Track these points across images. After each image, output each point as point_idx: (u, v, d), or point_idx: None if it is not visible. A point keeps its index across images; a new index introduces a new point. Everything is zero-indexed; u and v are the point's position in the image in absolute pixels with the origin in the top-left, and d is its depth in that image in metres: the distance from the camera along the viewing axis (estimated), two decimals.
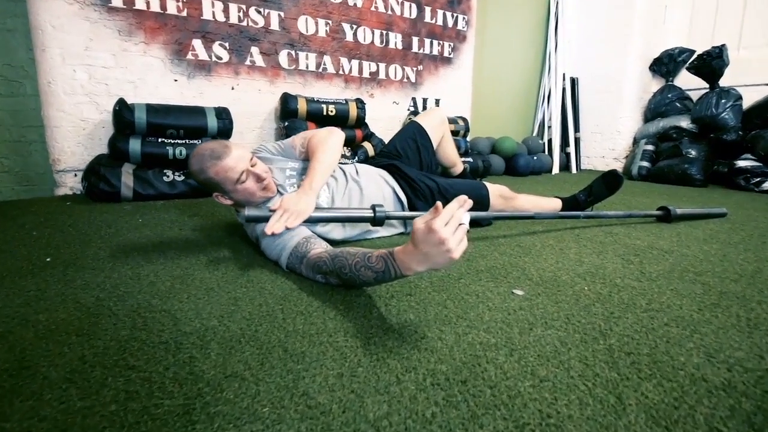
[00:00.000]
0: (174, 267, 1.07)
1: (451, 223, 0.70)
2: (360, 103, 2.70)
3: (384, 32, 3.01)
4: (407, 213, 1.31)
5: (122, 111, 2.04)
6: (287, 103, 2.47)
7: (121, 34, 2.17)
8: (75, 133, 2.13)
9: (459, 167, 1.90)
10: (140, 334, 0.70)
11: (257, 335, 0.70)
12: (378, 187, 1.39)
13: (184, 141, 2.16)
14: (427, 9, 3.21)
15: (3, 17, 2.04)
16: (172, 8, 2.26)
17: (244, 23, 2.48)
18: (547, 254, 1.21)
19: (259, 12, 2.52)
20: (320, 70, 2.79)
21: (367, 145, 2.69)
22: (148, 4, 2.20)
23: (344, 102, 2.63)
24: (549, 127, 4.07)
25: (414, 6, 3.14)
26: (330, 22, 2.77)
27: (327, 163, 1.22)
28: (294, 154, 1.35)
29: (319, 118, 2.54)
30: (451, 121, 3.21)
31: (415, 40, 3.18)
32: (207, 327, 0.73)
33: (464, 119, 3.32)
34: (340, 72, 2.88)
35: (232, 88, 2.51)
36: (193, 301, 0.85)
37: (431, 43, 3.27)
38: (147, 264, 1.09)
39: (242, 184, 1.12)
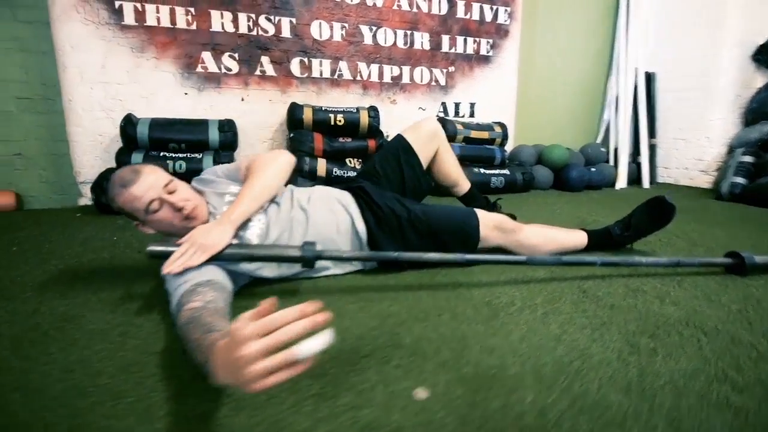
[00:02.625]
0: (81, 303, 0.97)
1: (267, 340, 0.45)
2: (373, 111, 2.49)
3: (408, 32, 2.76)
4: (349, 254, 1.08)
5: (126, 126, 2.08)
6: (293, 113, 2.36)
7: (134, 51, 2.23)
8: (93, 147, 2.24)
9: (463, 187, 1.62)
10: None
11: None
12: (332, 216, 1.18)
13: (184, 155, 2.15)
14: (460, 3, 2.88)
15: (38, 40, 2.21)
16: (181, 22, 2.27)
17: (254, 32, 2.42)
18: (517, 322, 0.89)
19: (270, 20, 2.44)
20: (335, 76, 2.64)
21: None
22: (158, 19, 2.23)
23: (354, 110, 2.45)
24: (613, 132, 3.45)
25: (444, 1, 2.83)
26: (346, 25, 2.60)
27: (258, 190, 1.06)
28: (239, 178, 1.19)
29: (327, 128, 2.39)
30: (484, 128, 2.85)
31: (445, 38, 2.88)
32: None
33: (502, 125, 2.92)
34: (358, 78, 2.69)
35: (242, 99, 2.46)
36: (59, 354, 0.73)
37: (465, 41, 2.94)
38: (58, 297, 1.01)
39: (154, 214, 0.99)
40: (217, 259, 0.92)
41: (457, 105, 3.02)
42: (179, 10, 2.26)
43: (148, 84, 2.29)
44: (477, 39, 2.97)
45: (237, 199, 1.05)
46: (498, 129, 2.90)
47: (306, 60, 2.55)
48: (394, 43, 2.74)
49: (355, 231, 1.19)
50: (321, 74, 2.60)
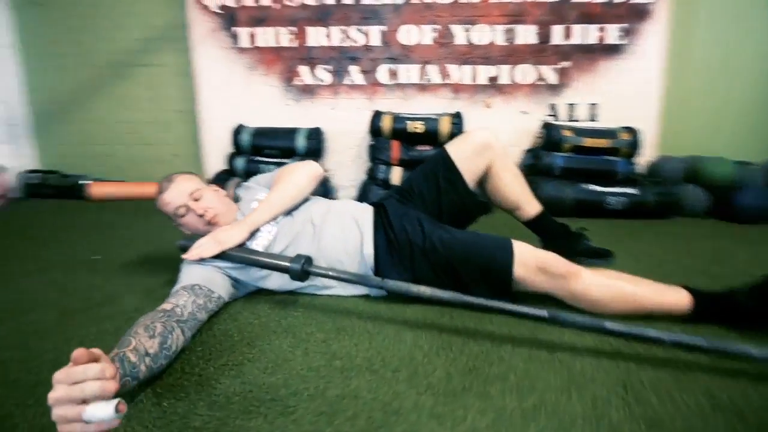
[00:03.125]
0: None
1: (66, 397, 0.51)
2: (456, 117, 2.32)
3: (509, 27, 2.45)
4: (334, 272, 1.01)
5: (235, 134, 2.46)
6: (373, 121, 2.38)
7: (248, 69, 2.60)
8: (216, 151, 2.72)
9: (527, 210, 1.35)
10: None
11: None
12: (341, 235, 1.14)
13: (276, 160, 2.41)
14: None
15: (187, 65, 2.78)
16: (284, 41, 2.53)
17: (345, 44, 2.52)
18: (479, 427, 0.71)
19: (360, 30, 2.50)
20: (423, 81, 2.54)
21: None
22: (266, 41, 2.54)
23: (434, 117, 2.32)
24: None
25: None
26: (437, 26, 2.47)
27: (274, 199, 1.14)
28: (271, 186, 1.29)
29: (404, 136, 2.34)
30: (603, 134, 2.33)
31: (557, 29, 2.45)
32: None
33: (631, 131, 2.35)
34: (448, 81, 2.54)
35: (333, 108, 2.61)
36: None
37: (584, 29, 2.44)
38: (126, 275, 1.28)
39: (182, 218, 1.17)
40: (221, 257, 1.03)
41: (571, 106, 2.55)
42: (282, 30, 2.52)
43: (258, 97, 2.63)
44: (602, 25, 2.43)
45: (258, 205, 1.14)
46: (625, 136, 2.34)
47: (393, 67, 2.53)
48: (492, 40, 2.47)
49: (362, 253, 1.12)
50: (408, 80, 2.55)
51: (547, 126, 2.39)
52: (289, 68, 2.57)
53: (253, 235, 1.13)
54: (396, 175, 2.28)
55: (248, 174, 2.43)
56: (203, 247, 1.04)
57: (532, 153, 2.41)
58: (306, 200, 1.28)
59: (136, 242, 1.74)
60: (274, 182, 1.23)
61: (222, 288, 1.07)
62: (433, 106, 2.56)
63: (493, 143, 1.27)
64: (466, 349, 0.88)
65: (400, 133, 2.33)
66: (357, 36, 2.51)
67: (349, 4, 2.47)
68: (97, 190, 2.87)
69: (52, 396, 0.51)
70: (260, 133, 2.45)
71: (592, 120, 2.56)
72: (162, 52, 2.81)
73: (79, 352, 0.53)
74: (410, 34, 2.49)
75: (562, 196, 2.17)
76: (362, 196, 2.28)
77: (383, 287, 0.95)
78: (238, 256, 1.05)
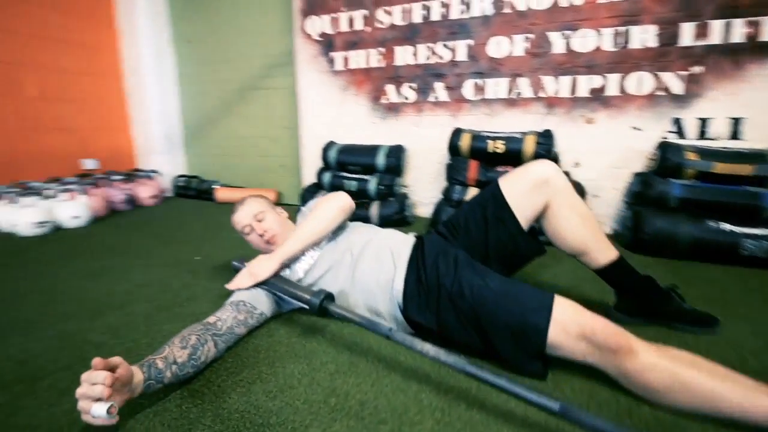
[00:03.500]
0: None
1: (84, 394, 0.68)
2: (543, 136, 2.11)
3: (620, 29, 2.11)
4: (350, 314, 1.02)
5: (324, 150, 2.67)
6: (451, 139, 2.32)
7: (341, 90, 2.79)
8: (311, 165, 2.99)
9: (596, 257, 1.14)
10: None
11: None
12: (376, 266, 1.16)
13: (357, 176, 2.54)
14: None
15: (292, 87, 3.11)
16: (374, 62, 2.65)
17: (431, 61, 2.50)
18: None
19: (446, 46, 2.45)
20: (512, 95, 2.37)
21: None
22: (358, 62, 2.69)
23: (518, 136, 2.15)
24: None
25: None
26: (531, 36, 2.27)
27: (303, 231, 1.22)
28: None
29: (484, 156, 2.22)
30: (745, 157, 1.85)
31: (686, 27, 2.01)
32: None
33: None
34: (541, 95, 2.31)
35: (416, 126, 2.63)
36: None
37: (727, 24, 1.95)
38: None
39: (248, 236, 1.35)
40: (259, 285, 1.17)
41: (703, 122, 2.08)
42: (372, 52, 2.64)
43: (349, 115, 2.81)
44: (754, 18, 1.91)
45: (289, 237, 1.25)
46: None
47: (480, 81, 2.42)
48: (598, 46, 2.16)
49: (392, 287, 1.11)
50: (495, 95, 2.40)
51: (663, 146, 1.99)
52: (377, 87, 2.68)
53: (296, 259, 1.24)
54: (472, 196, 2.18)
55: (333, 188, 2.62)
56: (241, 280, 1.18)
57: (642, 178, 2.03)
58: (351, 228, 1.33)
59: (235, 248, 2.03)
60: (309, 213, 1.31)
61: (265, 305, 1.19)
62: (523, 122, 2.37)
63: (552, 178, 1.13)
64: (465, 416, 0.81)
65: (479, 152, 2.22)
66: (443, 52, 2.47)
67: (437, 20, 2.45)
68: (221, 194, 3.44)
69: (78, 391, 0.66)
70: (345, 150, 2.61)
71: (735, 138, 2.04)
72: (275, 77, 3.21)
73: (96, 360, 0.67)
74: (500, 46, 2.35)
75: (675, 234, 1.78)
76: (435, 216, 2.25)
77: (390, 338, 0.93)
78: (270, 286, 1.16)
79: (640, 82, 2.13)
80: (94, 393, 0.65)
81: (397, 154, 2.50)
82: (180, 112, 3.83)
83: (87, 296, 1.43)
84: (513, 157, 2.14)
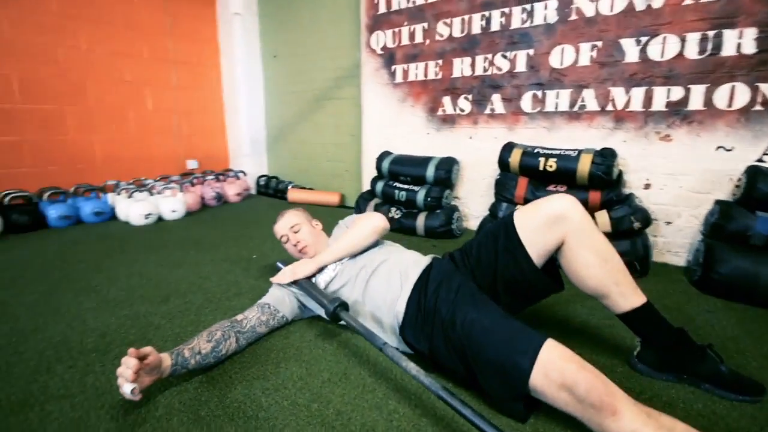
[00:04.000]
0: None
1: (121, 373, 0.88)
2: (601, 155, 1.94)
3: (710, 33, 1.84)
4: (362, 328, 1.09)
5: (378, 160, 2.79)
6: (502, 154, 2.26)
7: (399, 101, 2.87)
8: (371, 172, 3.14)
9: (621, 301, 1.04)
10: None
11: None
12: (386, 287, 1.24)
13: (408, 187, 2.61)
14: None
15: (358, 98, 3.28)
16: (431, 74, 2.67)
17: (488, 72, 2.45)
18: None
19: (505, 57, 2.37)
20: (575, 108, 2.21)
21: (602, 217, 1.91)
22: (416, 75, 2.74)
23: (573, 154, 2.00)
24: None
25: None
26: (599, 44, 2.09)
27: (341, 245, 1.36)
28: None
29: (534, 174, 2.12)
30: None
31: None
32: None
33: None
34: (609, 108, 2.12)
35: (470, 138, 2.59)
36: None
37: None
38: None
39: (285, 245, 1.54)
40: (293, 284, 1.34)
41: None
42: (431, 64, 2.67)
43: (405, 126, 2.88)
44: None
45: (328, 248, 1.39)
46: None
47: (540, 93, 2.30)
48: (680, 52, 1.91)
49: (394, 309, 1.18)
50: (556, 107, 2.26)
51: (753, 171, 1.69)
52: (434, 99, 2.70)
53: (321, 270, 1.37)
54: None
55: (384, 197, 2.72)
56: (283, 275, 1.35)
57: (722, 207, 1.75)
58: (374, 245, 1.42)
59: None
60: (346, 230, 1.43)
61: (287, 309, 1.34)
62: (586, 137, 2.19)
63: (569, 215, 1.07)
64: None
65: (530, 169, 2.13)
66: (501, 63, 2.40)
67: (496, 30, 2.39)
68: (292, 194, 3.78)
69: (117, 370, 0.86)
70: (397, 160, 2.69)
71: None
72: (343, 87, 3.42)
73: (131, 350, 0.87)
74: (564, 56, 2.20)
75: (756, 277, 1.52)
76: (479, 232, 2.21)
77: (382, 351, 1.00)
78: (301, 285, 1.31)
79: (733, 93, 1.83)
80: (125, 375, 0.85)
81: (447, 166, 2.50)
82: (264, 119, 4.29)
83: (163, 283, 1.74)
84: (566, 176, 2.01)
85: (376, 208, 2.72)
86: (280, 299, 1.34)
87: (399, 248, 1.45)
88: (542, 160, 2.07)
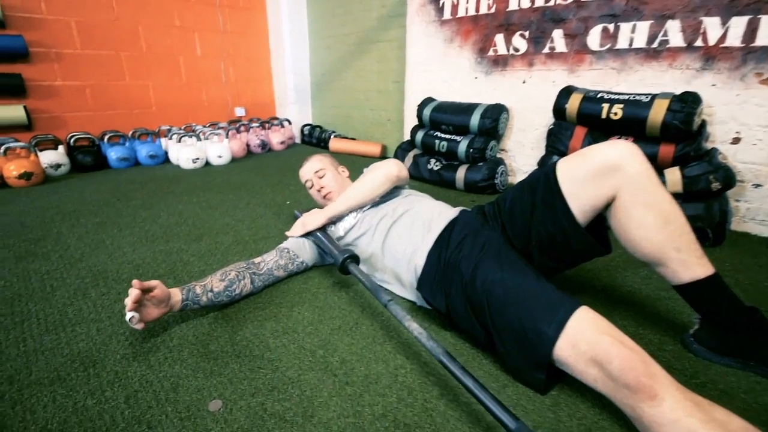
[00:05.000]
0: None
1: (128, 300, 0.89)
2: (680, 102, 1.62)
3: None
4: (368, 282, 1.04)
5: (420, 108, 2.61)
6: (557, 101, 1.99)
7: (446, 42, 2.61)
8: (413, 121, 2.96)
9: (681, 270, 0.87)
10: None
11: None
12: (406, 237, 1.16)
13: (449, 137, 2.43)
14: None
15: (403, 39, 3.04)
16: (484, 7, 2.37)
17: (550, 3, 2.10)
18: None
19: None
20: (655, 45, 1.85)
21: (672, 174, 1.64)
22: (466, 10, 2.44)
23: (646, 99, 1.70)
24: None
25: None
26: None
27: (351, 193, 1.30)
28: None
29: (595, 122, 1.85)
30: None
31: None
32: None
33: None
34: (697, 43, 1.75)
35: (524, 82, 2.31)
36: None
37: None
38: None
39: (309, 190, 1.52)
40: (306, 235, 1.32)
41: None
42: None
43: (450, 70, 2.64)
44: None
45: (338, 197, 1.34)
46: None
47: (611, 27, 1.95)
48: None
49: (413, 262, 1.11)
50: (630, 44, 1.91)
51: None
52: (485, 37, 2.41)
53: (340, 218, 1.32)
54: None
55: (424, 147, 2.57)
56: (294, 228, 1.33)
57: None
58: (400, 195, 1.33)
59: None
60: (361, 177, 1.35)
61: (307, 255, 1.32)
62: (664, 81, 1.85)
63: (625, 165, 0.89)
64: (429, 405, 0.80)
65: (590, 117, 1.85)
66: None
67: None
68: (335, 144, 3.73)
69: (126, 299, 0.88)
70: (439, 107, 2.49)
71: None
72: (389, 29, 3.18)
73: (134, 282, 0.88)
74: None
75: None
76: None
77: (386, 307, 0.94)
78: (313, 236, 1.28)
79: None
80: (126, 303, 0.87)
81: (495, 114, 2.27)
82: (309, 65, 4.18)
83: (199, 223, 1.80)
84: (633, 125, 1.73)
85: (415, 159, 2.59)
86: (299, 245, 1.32)
87: (425, 198, 1.35)
88: (606, 106, 1.79)
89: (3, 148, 2.41)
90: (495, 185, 2.26)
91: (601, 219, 0.98)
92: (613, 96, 1.80)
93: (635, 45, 1.91)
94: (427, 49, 2.73)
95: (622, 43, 1.94)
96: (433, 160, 2.50)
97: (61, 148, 2.78)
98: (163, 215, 1.90)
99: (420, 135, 2.58)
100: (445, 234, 1.09)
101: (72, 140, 2.86)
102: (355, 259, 1.15)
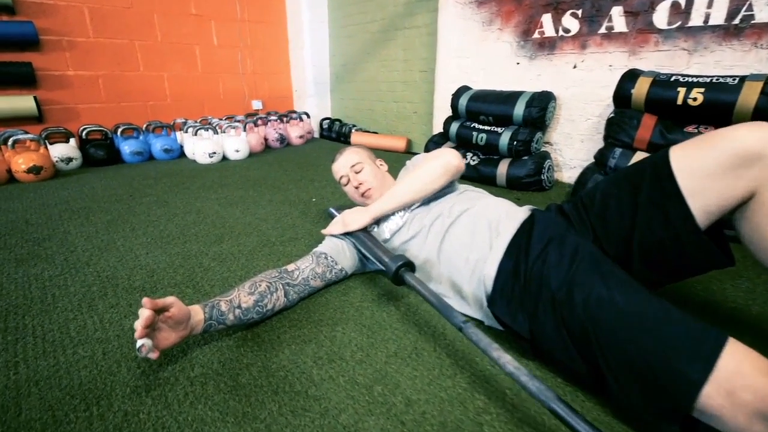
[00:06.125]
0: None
1: (137, 324, 0.70)
2: None
3: None
4: (433, 297, 0.83)
5: (454, 97, 2.39)
6: (620, 86, 1.76)
7: (483, 25, 2.39)
8: (443, 113, 2.75)
9: None
10: None
11: None
12: (468, 241, 0.96)
13: (488, 128, 2.22)
14: None
15: (434, 25, 2.82)
16: None
17: None
18: None
19: None
20: (737, 21, 1.61)
21: None
22: None
23: (733, 82, 1.46)
24: None
25: None
26: None
27: (400, 189, 1.10)
28: None
29: (668, 109, 1.62)
30: None
31: None
32: None
33: None
34: None
35: (575, 67, 2.08)
36: None
37: None
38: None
39: (344, 187, 1.32)
40: (346, 236, 1.12)
41: None
42: None
43: (488, 56, 2.41)
44: None
45: (385, 194, 1.14)
46: None
47: (683, 2, 1.71)
48: None
49: (482, 270, 0.90)
50: (706, 20, 1.67)
51: None
52: (529, 18, 2.18)
53: (385, 218, 1.13)
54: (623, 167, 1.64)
55: (460, 140, 2.36)
56: (333, 227, 1.13)
57: None
58: (452, 192, 1.14)
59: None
60: (411, 170, 1.15)
61: (347, 261, 1.13)
62: (746, 63, 1.61)
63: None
64: None
65: (662, 103, 1.62)
66: None
67: None
68: (356, 138, 3.53)
69: (136, 322, 0.70)
70: (478, 96, 2.27)
71: None
72: (417, 14, 2.96)
73: (145, 300, 0.69)
74: None
75: None
76: (579, 186, 1.80)
77: (462, 331, 0.74)
78: (355, 239, 1.08)
79: None
80: (137, 328, 0.68)
81: (542, 102, 2.05)
82: (329, 56, 3.99)
83: (218, 222, 1.63)
84: (717, 112, 1.49)
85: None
86: (338, 249, 1.13)
87: (485, 195, 1.14)
88: (682, 90, 1.55)
89: (11, 140, 2.27)
90: (541, 181, 2.03)
91: (718, 222, 0.76)
92: (690, 79, 1.56)
93: (712, 22, 1.66)
94: (462, 34, 2.50)
95: (695, 20, 1.70)
96: (469, 154, 2.29)
97: (72, 141, 2.65)
98: (180, 213, 1.73)
99: (455, 127, 2.36)
100: (520, 239, 0.89)
101: (84, 133, 2.72)
102: (411, 266, 0.95)
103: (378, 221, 1.14)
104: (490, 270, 0.88)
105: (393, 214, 1.13)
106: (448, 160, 1.08)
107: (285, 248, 1.38)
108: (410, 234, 1.08)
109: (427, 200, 1.11)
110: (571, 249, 0.80)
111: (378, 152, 3.12)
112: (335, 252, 1.12)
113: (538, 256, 0.83)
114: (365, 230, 1.11)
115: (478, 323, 0.95)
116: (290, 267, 1.04)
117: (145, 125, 3.05)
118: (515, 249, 0.88)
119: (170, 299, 0.74)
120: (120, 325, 0.93)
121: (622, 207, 0.85)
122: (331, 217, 1.25)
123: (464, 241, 0.97)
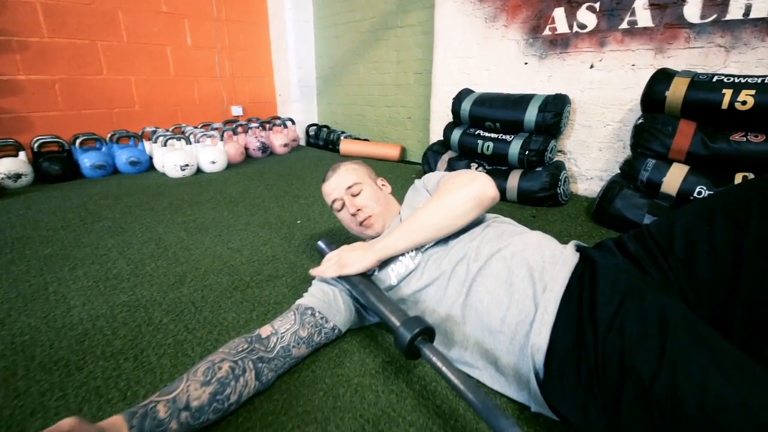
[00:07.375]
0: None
1: None
2: None
3: None
4: (465, 385, 0.57)
5: (455, 101, 2.15)
6: (652, 86, 1.54)
7: (487, 21, 2.15)
8: (442, 118, 2.51)
9: None
10: None
11: None
12: (504, 294, 0.71)
13: (495, 136, 1.98)
14: None
15: (429, 23, 2.59)
16: None
17: None
18: None
19: None
20: None
21: None
22: None
23: None
24: None
25: None
26: None
27: (420, 223, 0.84)
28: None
29: (711, 114, 1.40)
30: None
31: None
32: None
33: None
34: None
35: (592, 66, 1.86)
36: None
37: None
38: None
39: (338, 213, 1.06)
40: (343, 281, 0.85)
41: None
42: None
43: (493, 55, 2.18)
44: None
45: (396, 226, 0.88)
46: None
47: None
48: None
49: (526, 337, 0.66)
50: (747, 12, 1.46)
51: None
52: (539, 13, 1.95)
53: (390, 261, 0.86)
54: (674, 177, 1.42)
55: (462, 148, 2.11)
56: (327, 266, 0.86)
57: None
58: (479, 222, 0.89)
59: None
60: (433, 195, 0.89)
61: (341, 316, 0.86)
62: None
63: None
64: None
65: (703, 107, 1.40)
66: None
67: None
68: (345, 146, 3.26)
69: None
70: (482, 100, 2.03)
71: None
72: (410, 12, 2.73)
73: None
74: None
75: None
76: (604, 201, 1.56)
77: None
78: (355, 288, 0.81)
79: None
80: None
81: (557, 107, 1.82)
82: (315, 58, 3.72)
83: (181, 255, 1.34)
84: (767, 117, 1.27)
85: (450, 164, 2.13)
86: (329, 301, 0.86)
87: (518, 227, 0.90)
88: (728, 92, 1.33)
89: None
90: (557, 195, 1.79)
91: None
92: (736, 79, 1.34)
93: (753, 15, 1.45)
94: (462, 31, 2.27)
95: (734, 12, 1.49)
96: (474, 165, 2.04)
97: (22, 154, 2.32)
98: (136, 243, 1.44)
99: (456, 134, 2.12)
100: (576, 294, 0.65)
101: (37, 145, 2.40)
102: (431, 334, 0.69)
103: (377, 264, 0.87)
104: (539, 339, 0.64)
105: (403, 254, 0.86)
106: (483, 190, 0.82)
107: (262, 291, 1.10)
108: (425, 281, 0.82)
109: (445, 237, 0.86)
110: (655, 314, 0.57)
111: (369, 161, 2.87)
112: (326, 305, 0.85)
113: (609, 322, 0.58)
114: (365, 274, 0.84)
115: (521, 408, 0.69)
116: (265, 331, 0.78)
117: (109, 135, 2.73)
118: (573, 309, 0.64)
119: (66, 425, 0.46)
120: (43, 405, 0.65)
121: (719, 252, 0.62)
122: (321, 253, 0.98)
123: (498, 296, 0.72)
